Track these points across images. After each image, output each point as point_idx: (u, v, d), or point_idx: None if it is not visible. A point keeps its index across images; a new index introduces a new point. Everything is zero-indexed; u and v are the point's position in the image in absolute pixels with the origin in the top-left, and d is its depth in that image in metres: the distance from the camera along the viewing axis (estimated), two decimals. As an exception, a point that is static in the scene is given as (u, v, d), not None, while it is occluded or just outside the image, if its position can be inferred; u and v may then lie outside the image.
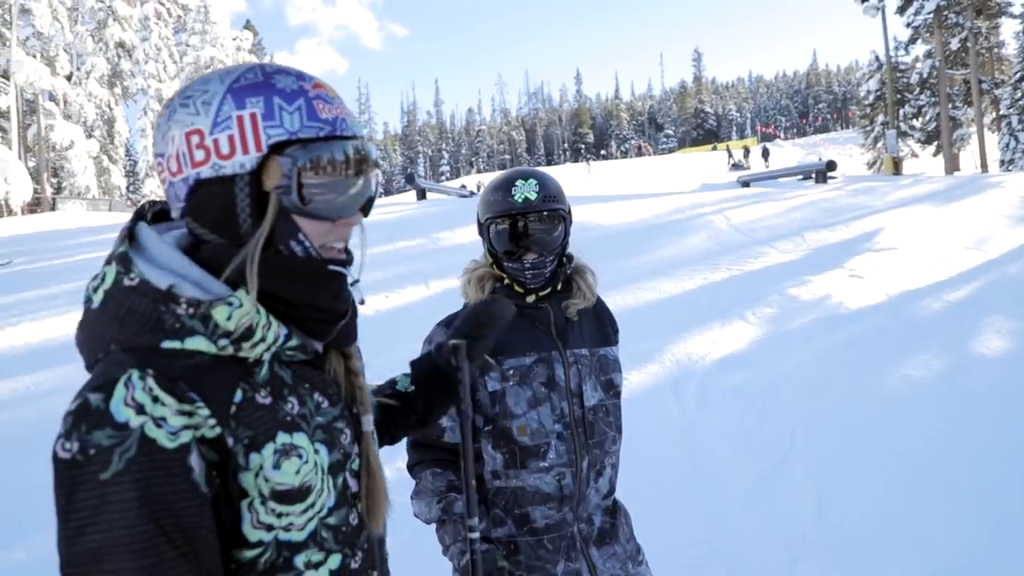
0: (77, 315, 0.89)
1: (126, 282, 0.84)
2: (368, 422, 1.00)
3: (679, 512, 3.69)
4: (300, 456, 0.87)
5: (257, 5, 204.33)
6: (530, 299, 1.74)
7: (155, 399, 0.77)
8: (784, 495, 3.84)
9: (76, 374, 0.85)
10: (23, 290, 8.60)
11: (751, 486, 3.96)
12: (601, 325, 1.84)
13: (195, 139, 0.87)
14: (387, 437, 1.33)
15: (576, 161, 78.98)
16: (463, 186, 27.87)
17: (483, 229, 1.78)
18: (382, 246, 9.81)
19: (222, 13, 43.31)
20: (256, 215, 0.88)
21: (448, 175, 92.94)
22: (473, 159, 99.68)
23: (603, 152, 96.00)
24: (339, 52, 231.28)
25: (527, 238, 1.70)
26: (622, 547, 1.75)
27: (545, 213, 1.71)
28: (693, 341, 6.09)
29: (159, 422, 0.77)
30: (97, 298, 0.86)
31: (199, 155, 0.87)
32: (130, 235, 0.90)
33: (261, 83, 0.88)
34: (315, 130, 0.88)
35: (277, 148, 0.87)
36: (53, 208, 29.80)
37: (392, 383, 1.36)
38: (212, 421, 0.81)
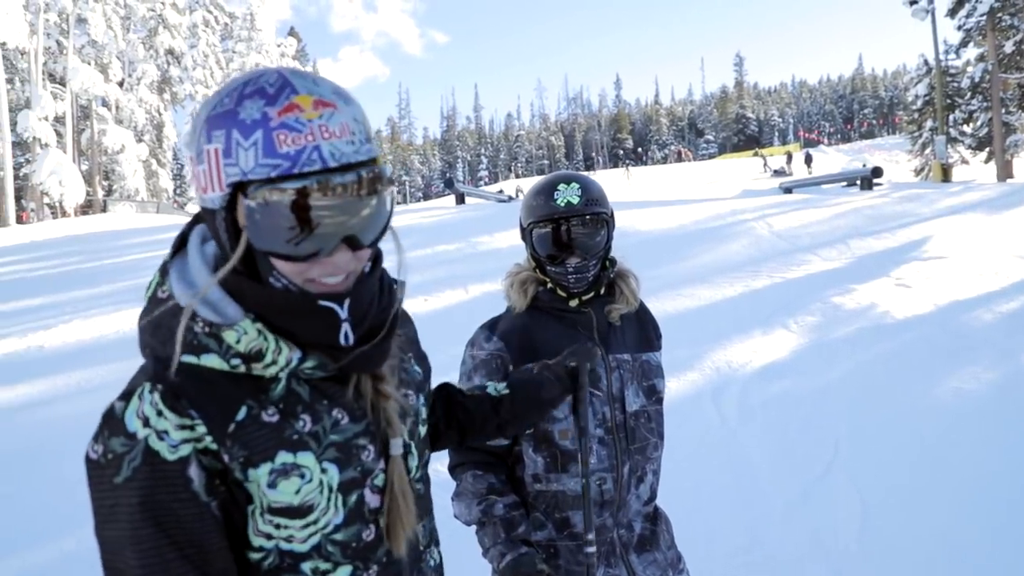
0: (126, 313, 0.94)
1: (160, 293, 0.91)
2: (396, 446, 0.97)
3: (718, 521, 3.64)
4: (302, 476, 0.87)
5: (302, 13, 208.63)
6: (573, 303, 1.74)
7: (159, 413, 0.82)
8: (827, 507, 3.75)
9: (125, 371, 0.89)
10: (75, 289, 8.89)
11: (793, 497, 3.88)
12: (644, 330, 1.83)
13: (191, 167, 0.89)
14: (456, 439, 1.34)
15: (615, 166, 78.60)
16: (501, 191, 27.98)
17: (526, 233, 1.78)
18: (421, 250, 9.90)
19: (267, 21, 44.46)
20: (234, 248, 0.85)
21: (487, 180, 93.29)
22: (512, 164, 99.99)
23: (639, 150, 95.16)
24: (381, 59, 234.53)
25: (570, 242, 1.70)
26: (663, 554, 1.74)
27: (588, 217, 1.70)
28: (734, 349, 6.00)
29: (161, 435, 0.82)
30: (145, 302, 0.93)
31: (195, 184, 0.89)
32: (182, 241, 0.94)
33: (228, 112, 0.82)
34: (268, 169, 0.80)
35: (242, 186, 0.82)
36: (104, 210, 30.79)
37: (483, 387, 1.39)
38: (209, 438, 0.84)
